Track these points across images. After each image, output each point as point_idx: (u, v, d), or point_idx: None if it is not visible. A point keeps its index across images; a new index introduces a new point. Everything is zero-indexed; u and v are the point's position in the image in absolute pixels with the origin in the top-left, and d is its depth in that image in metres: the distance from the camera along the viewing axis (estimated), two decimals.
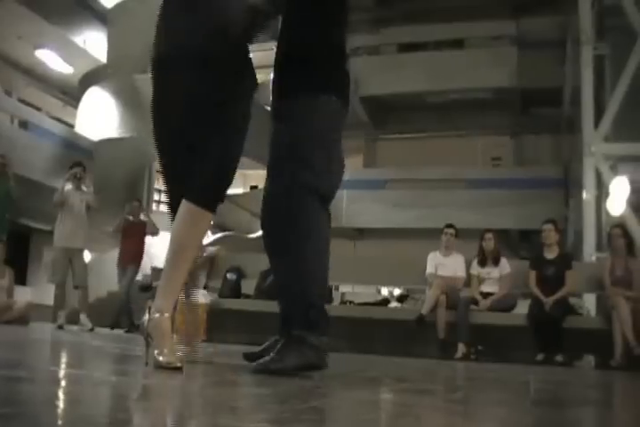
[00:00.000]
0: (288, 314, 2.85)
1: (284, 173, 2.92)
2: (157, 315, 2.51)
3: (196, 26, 2.61)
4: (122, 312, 9.33)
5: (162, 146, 2.69)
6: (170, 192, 2.71)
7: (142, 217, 9.81)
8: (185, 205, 2.54)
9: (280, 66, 3.11)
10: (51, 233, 8.99)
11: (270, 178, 3.04)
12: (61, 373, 2.31)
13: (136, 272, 9.63)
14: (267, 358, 2.69)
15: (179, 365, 2.39)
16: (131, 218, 9.80)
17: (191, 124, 2.59)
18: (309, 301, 2.84)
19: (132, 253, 9.57)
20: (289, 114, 3.00)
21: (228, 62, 2.67)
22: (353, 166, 18.95)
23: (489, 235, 7.78)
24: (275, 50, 3.14)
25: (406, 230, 15.72)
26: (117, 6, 16.68)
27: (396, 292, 14.54)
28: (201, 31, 2.60)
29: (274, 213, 2.96)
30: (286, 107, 3.02)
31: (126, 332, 8.72)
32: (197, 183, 2.56)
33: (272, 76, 3.14)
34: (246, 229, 17.15)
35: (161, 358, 2.40)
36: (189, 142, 2.58)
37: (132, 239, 9.62)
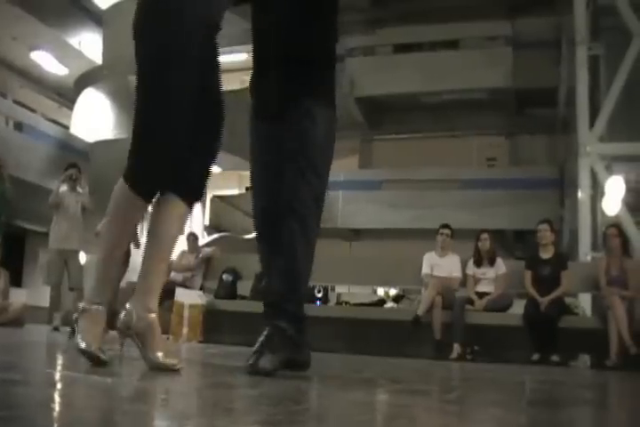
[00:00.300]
0: (278, 308, 2.86)
1: (285, 173, 2.95)
2: (146, 314, 2.49)
3: (197, 25, 2.62)
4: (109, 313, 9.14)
5: (155, 140, 2.66)
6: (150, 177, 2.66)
7: None
8: (179, 204, 2.55)
9: (271, 66, 3.11)
10: (46, 235, 8.97)
11: (265, 178, 3.07)
12: (57, 375, 2.31)
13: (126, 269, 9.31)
14: (256, 355, 2.67)
15: (179, 366, 2.40)
16: None
17: (197, 122, 2.61)
18: (301, 298, 2.94)
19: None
20: (292, 117, 3.02)
21: (218, 62, 2.71)
22: (348, 167, 18.99)
23: (485, 235, 7.79)
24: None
25: (402, 231, 15.74)
26: (112, 7, 16.70)
27: (392, 292, 14.54)
28: (201, 31, 2.62)
29: (272, 211, 3.00)
30: (287, 109, 3.04)
31: None
32: (195, 183, 2.59)
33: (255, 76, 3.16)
34: (242, 230, 17.16)
35: (162, 360, 2.40)
36: (192, 141, 2.60)
37: None
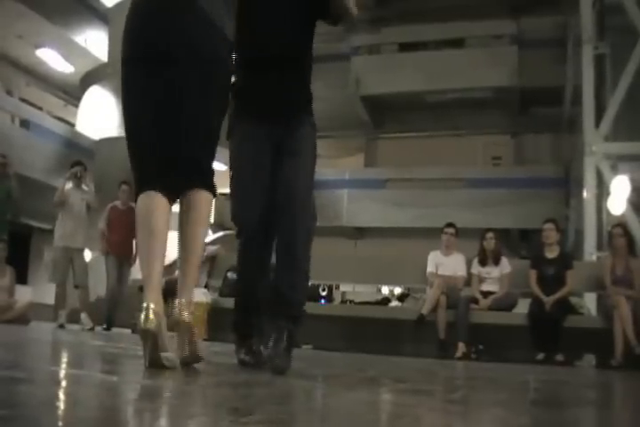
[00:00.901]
0: (287, 310, 2.92)
1: (283, 174, 3.02)
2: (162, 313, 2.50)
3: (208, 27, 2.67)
4: (112, 309, 8.90)
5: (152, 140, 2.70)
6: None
7: (133, 204, 8.66)
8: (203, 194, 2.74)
9: (271, 66, 3.12)
10: (51, 232, 8.98)
11: (262, 177, 3.09)
12: (61, 373, 2.31)
13: (129, 269, 9.08)
14: (273, 353, 2.76)
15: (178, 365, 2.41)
16: (119, 205, 9.01)
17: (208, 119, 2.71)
18: (304, 300, 3.06)
19: (119, 247, 8.83)
20: (290, 120, 3.08)
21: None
22: (353, 166, 18.98)
23: (490, 234, 7.78)
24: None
25: (407, 230, 15.72)
26: (118, 5, 16.68)
27: (397, 291, 14.54)
28: (212, 32, 2.67)
29: (269, 210, 3.05)
30: (286, 111, 3.10)
31: (105, 329, 8.63)
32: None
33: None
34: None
35: (175, 359, 2.40)
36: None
37: (120, 231, 8.69)
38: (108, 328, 8.65)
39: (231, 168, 3.20)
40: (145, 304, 2.35)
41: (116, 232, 8.83)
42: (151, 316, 2.32)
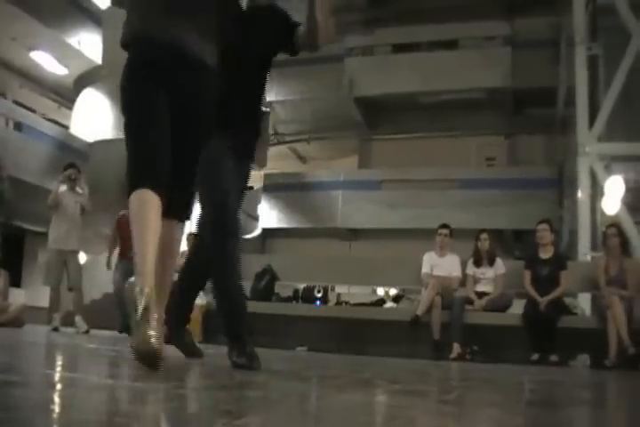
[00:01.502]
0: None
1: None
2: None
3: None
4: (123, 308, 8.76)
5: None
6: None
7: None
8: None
9: (259, 66, 3.14)
10: (45, 235, 8.95)
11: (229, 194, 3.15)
12: (56, 376, 2.31)
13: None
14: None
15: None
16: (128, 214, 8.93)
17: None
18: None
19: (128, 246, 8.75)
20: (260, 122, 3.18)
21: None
22: (348, 167, 18.97)
23: (484, 235, 7.80)
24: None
25: (401, 231, 15.71)
26: (112, 7, 16.64)
27: (392, 292, 14.52)
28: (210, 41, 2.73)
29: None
30: (259, 113, 3.17)
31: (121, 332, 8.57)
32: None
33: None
34: (241, 231, 17.12)
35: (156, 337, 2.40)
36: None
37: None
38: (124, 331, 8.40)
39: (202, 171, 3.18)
40: (139, 286, 2.38)
41: (129, 238, 8.66)
42: (146, 289, 2.34)
